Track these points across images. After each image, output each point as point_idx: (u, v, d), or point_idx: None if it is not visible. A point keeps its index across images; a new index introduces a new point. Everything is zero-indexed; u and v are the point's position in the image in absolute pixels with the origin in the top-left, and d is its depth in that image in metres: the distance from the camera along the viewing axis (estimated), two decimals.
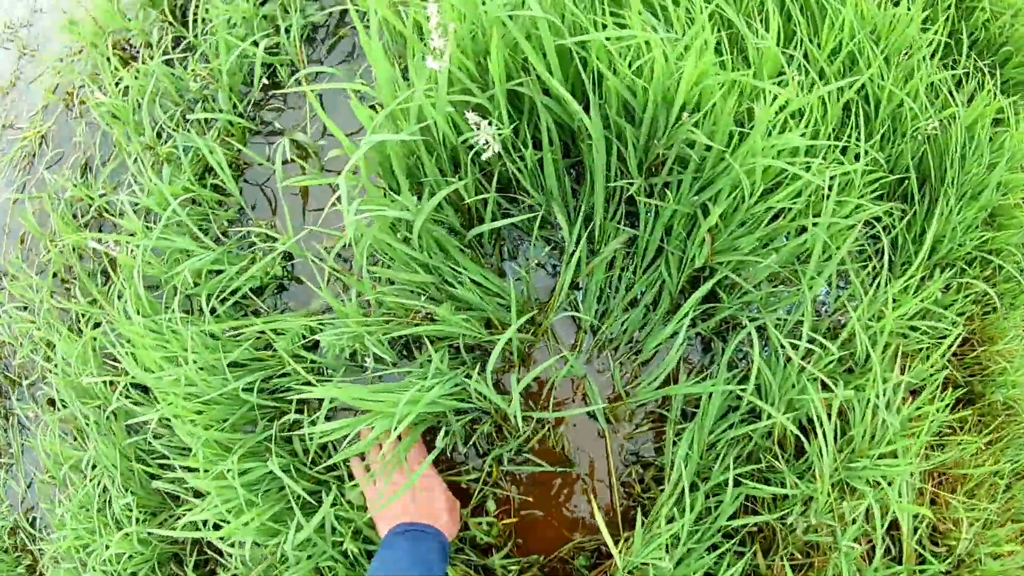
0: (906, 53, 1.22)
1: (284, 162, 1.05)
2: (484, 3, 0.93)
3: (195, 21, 1.19)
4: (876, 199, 1.13)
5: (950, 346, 1.12)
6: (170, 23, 1.25)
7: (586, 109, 0.92)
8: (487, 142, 0.89)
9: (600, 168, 0.91)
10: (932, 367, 1.14)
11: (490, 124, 0.88)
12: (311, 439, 0.98)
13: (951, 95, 1.25)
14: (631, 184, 0.91)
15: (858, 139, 1.08)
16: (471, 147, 0.91)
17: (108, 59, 1.28)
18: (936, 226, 1.15)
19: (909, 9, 1.22)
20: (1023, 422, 1.36)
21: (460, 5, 0.94)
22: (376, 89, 0.92)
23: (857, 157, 1.08)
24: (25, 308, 1.43)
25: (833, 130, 1.08)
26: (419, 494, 0.89)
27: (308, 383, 0.94)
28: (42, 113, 1.48)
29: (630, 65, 0.91)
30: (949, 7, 1.41)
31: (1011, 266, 1.31)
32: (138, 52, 1.31)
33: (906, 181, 1.19)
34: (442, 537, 0.85)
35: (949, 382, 1.25)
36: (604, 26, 0.93)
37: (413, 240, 0.89)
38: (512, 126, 0.92)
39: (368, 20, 0.99)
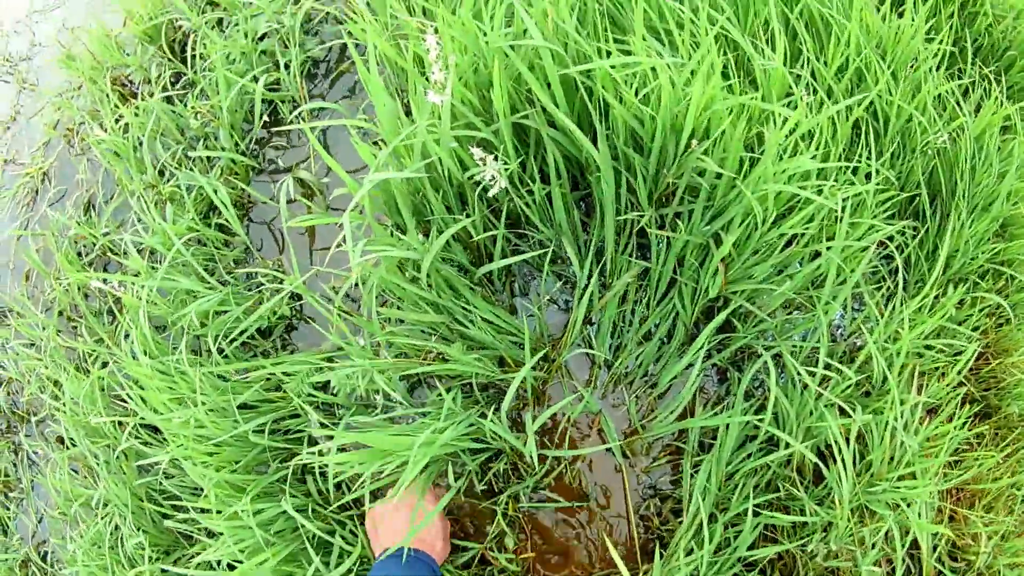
0: (912, 65, 1.19)
1: (289, 201, 1.03)
2: (485, 34, 0.91)
3: (194, 57, 1.16)
4: (888, 218, 1.10)
5: (967, 363, 1.10)
6: (169, 59, 1.23)
7: (593, 140, 0.90)
8: (493, 177, 0.86)
9: (609, 201, 0.88)
10: (949, 385, 1.11)
11: (496, 159, 0.86)
12: (324, 479, 0.96)
13: (958, 106, 1.23)
14: (642, 216, 0.89)
15: (869, 158, 1.05)
16: (478, 183, 0.88)
17: (107, 95, 1.26)
18: (949, 242, 1.12)
19: (913, 20, 1.19)
20: None
21: (460, 36, 0.91)
22: (378, 125, 0.89)
23: (868, 177, 1.06)
24: (32, 345, 1.41)
25: (843, 150, 1.05)
26: (400, 518, 0.87)
27: (322, 424, 0.92)
28: (43, 149, 1.46)
29: (636, 93, 0.88)
30: (952, 15, 1.38)
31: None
32: (137, 88, 1.29)
33: (917, 198, 1.16)
34: (434, 564, 0.85)
35: (966, 398, 1.22)
36: (608, 53, 0.90)
37: (422, 279, 0.86)
38: (519, 160, 0.90)
39: (367, 54, 0.96)
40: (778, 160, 0.90)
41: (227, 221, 1.04)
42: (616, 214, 0.88)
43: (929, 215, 1.17)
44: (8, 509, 1.63)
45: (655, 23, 1.01)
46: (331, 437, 0.89)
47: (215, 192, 1.02)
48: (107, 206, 1.24)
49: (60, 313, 1.31)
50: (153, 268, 1.08)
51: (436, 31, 0.91)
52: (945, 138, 1.17)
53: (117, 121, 1.21)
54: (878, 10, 1.26)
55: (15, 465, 1.59)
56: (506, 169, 0.87)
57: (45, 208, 1.39)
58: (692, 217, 0.89)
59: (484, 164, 0.85)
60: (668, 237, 0.89)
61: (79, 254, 1.29)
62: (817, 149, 0.97)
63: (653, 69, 0.86)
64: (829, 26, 1.12)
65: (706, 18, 0.92)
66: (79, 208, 1.30)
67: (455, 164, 0.88)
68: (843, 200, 0.95)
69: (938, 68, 1.25)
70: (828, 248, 0.93)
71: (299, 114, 1.06)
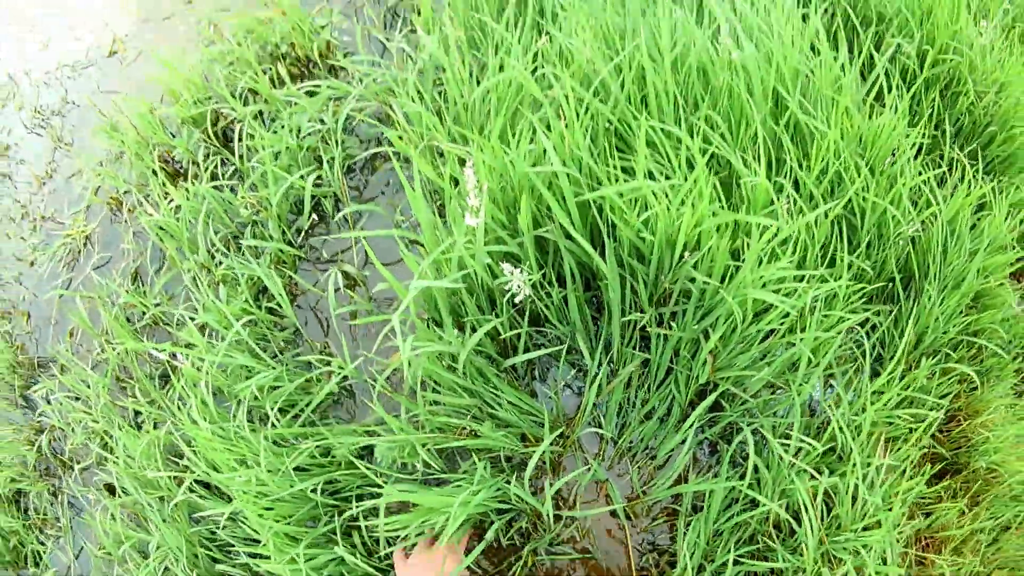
0: (891, 160, 1.48)
1: (335, 290, 1.31)
2: (509, 155, 1.19)
3: (240, 144, 1.43)
4: (865, 302, 1.39)
5: (928, 428, 1.40)
6: (214, 145, 1.50)
7: (602, 253, 1.18)
8: (519, 286, 1.15)
9: (616, 303, 1.17)
10: (915, 446, 1.41)
11: (521, 271, 1.15)
12: (367, 531, 1.26)
13: (933, 195, 1.51)
14: (643, 315, 1.18)
15: (844, 252, 1.34)
16: (506, 289, 1.17)
17: (155, 172, 1.53)
18: (918, 322, 1.41)
19: (896, 109, 1.47)
20: (1006, 481, 1.64)
21: (490, 160, 1.20)
22: (422, 237, 1.18)
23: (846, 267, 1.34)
24: (77, 399, 1.69)
25: (821, 247, 1.34)
26: (432, 569, 1.15)
27: (375, 485, 1.21)
28: (85, 212, 1.73)
29: (638, 213, 1.17)
30: (934, 99, 1.66)
31: (995, 344, 1.58)
32: (182, 167, 1.56)
33: (891, 283, 1.45)
34: None
35: (928, 456, 1.52)
36: (616, 177, 1.19)
37: (458, 369, 1.16)
38: (540, 272, 1.18)
39: (405, 162, 1.24)
40: (757, 266, 1.19)
41: (278, 306, 1.32)
42: (621, 315, 1.18)
43: (902, 297, 1.47)
44: (44, 544, 1.92)
45: (655, 140, 1.29)
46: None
47: (270, 280, 1.30)
48: (158, 279, 1.52)
49: (109, 373, 1.59)
50: (209, 343, 1.37)
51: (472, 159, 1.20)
52: (919, 227, 1.46)
53: (168, 201, 1.48)
54: (864, 101, 1.55)
55: (52, 505, 1.88)
56: (530, 279, 1.15)
57: (90, 271, 1.67)
58: (685, 316, 1.19)
59: (512, 275, 1.13)
60: (665, 334, 1.18)
61: (128, 319, 1.57)
62: (795, 252, 1.26)
63: (654, 192, 1.15)
64: (812, 134, 1.40)
65: (700, 142, 1.20)
66: (126, 278, 1.58)
67: (487, 274, 1.16)
68: (816, 295, 1.25)
69: (916, 156, 1.53)
70: (801, 340, 1.22)
71: (344, 216, 1.34)
